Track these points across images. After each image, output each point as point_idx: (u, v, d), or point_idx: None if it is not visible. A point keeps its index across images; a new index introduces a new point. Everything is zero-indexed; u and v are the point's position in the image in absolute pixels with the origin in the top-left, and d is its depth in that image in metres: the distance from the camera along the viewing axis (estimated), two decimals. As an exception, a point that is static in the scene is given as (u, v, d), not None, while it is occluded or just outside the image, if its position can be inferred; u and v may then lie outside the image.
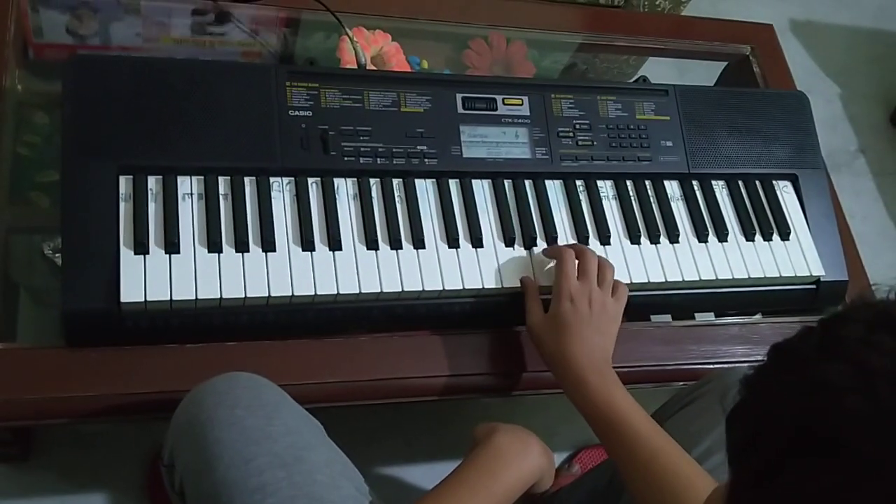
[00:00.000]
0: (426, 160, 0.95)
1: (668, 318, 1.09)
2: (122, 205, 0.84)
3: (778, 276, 1.04)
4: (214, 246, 0.85)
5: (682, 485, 0.73)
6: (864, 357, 0.42)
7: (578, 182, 1.02)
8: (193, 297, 0.82)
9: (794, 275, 1.05)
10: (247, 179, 0.89)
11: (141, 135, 0.86)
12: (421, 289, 0.90)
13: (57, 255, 0.94)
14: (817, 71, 1.98)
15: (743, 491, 0.47)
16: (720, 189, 1.08)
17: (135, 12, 1.11)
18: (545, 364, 0.88)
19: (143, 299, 0.80)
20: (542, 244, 0.97)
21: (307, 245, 0.88)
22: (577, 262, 0.90)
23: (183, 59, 0.98)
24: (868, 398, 0.41)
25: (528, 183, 1.00)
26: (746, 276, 1.03)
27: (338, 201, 0.91)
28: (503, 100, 1.01)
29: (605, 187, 1.03)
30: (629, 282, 0.98)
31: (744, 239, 1.06)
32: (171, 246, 0.83)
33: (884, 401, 0.40)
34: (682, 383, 1.03)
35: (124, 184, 0.85)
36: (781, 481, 0.43)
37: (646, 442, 0.77)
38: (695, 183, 1.07)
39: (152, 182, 0.86)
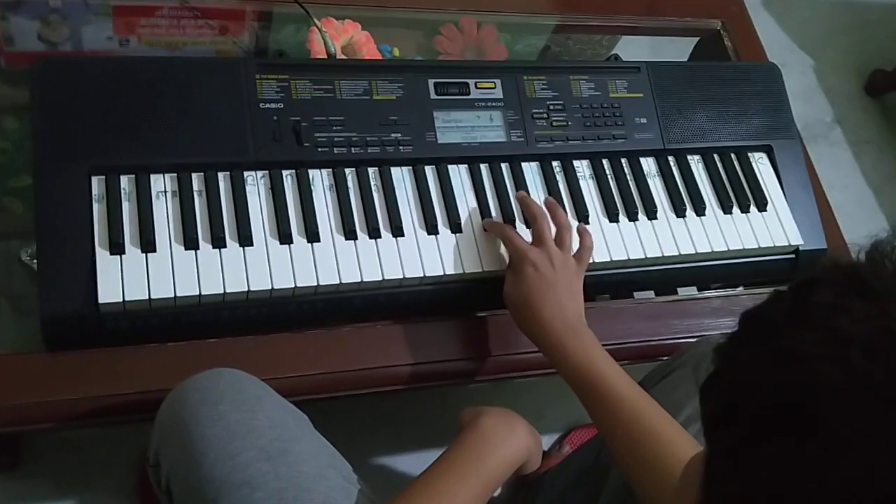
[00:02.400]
0: (401, 148, 0.95)
1: (650, 294, 1.09)
2: (95, 206, 0.83)
3: (757, 247, 1.05)
4: (191, 243, 0.84)
5: (664, 444, 0.73)
6: (836, 324, 0.41)
7: (555, 163, 1.02)
8: (172, 296, 0.81)
9: (772, 245, 1.06)
10: (220, 175, 0.88)
11: (111, 134, 0.85)
12: (402, 276, 0.90)
13: (34, 261, 0.94)
14: (790, 44, 1.99)
15: (718, 463, 0.46)
16: (696, 163, 1.08)
17: (105, 15, 1.10)
18: (523, 333, 0.88)
19: (121, 300, 0.80)
20: (520, 226, 0.97)
21: (285, 238, 0.87)
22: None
23: (150, 56, 0.97)
24: (841, 367, 0.39)
25: (504, 166, 1.00)
26: (726, 249, 1.03)
27: (314, 193, 0.91)
28: (476, 84, 1.01)
29: (582, 167, 1.03)
30: (609, 259, 0.98)
31: (721, 212, 1.06)
32: (147, 245, 0.83)
33: (857, 369, 0.39)
34: (667, 358, 1.04)
35: (97, 184, 0.84)
36: (756, 454, 0.42)
37: (627, 402, 0.77)
38: (670, 158, 1.07)
39: (125, 181, 0.85)
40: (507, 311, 0.91)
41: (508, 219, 0.96)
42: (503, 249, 0.94)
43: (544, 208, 0.94)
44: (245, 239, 0.86)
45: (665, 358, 1.01)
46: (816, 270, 0.45)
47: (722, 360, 0.47)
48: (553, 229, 0.91)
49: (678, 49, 1.41)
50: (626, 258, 0.99)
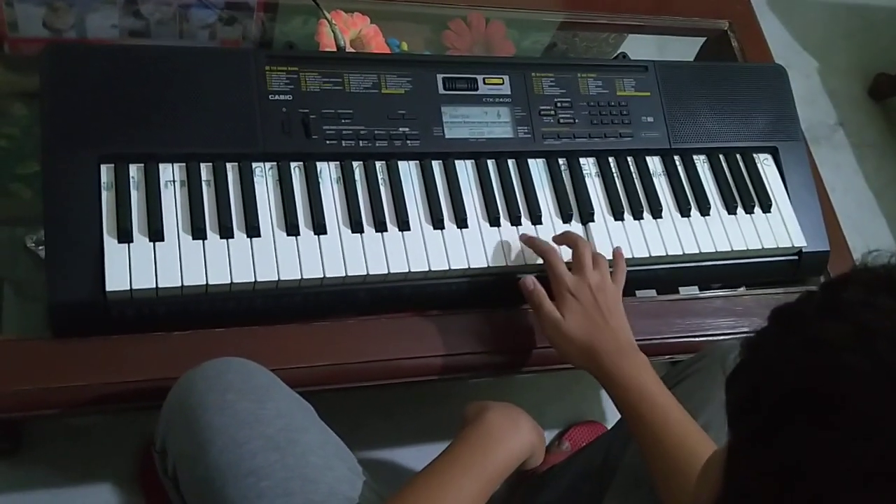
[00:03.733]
0: (409, 142, 0.95)
1: (652, 292, 1.10)
2: (104, 194, 0.83)
3: (760, 247, 1.05)
4: (199, 232, 0.84)
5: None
6: (865, 318, 0.42)
7: (561, 160, 1.02)
8: (179, 285, 0.82)
9: (776, 246, 1.06)
10: (229, 165, 0.89)
11: (121, 123, 0.85)
12: (407, 270, 0.90)
13: (40, 247, 0.94)
14: (795, 45, 2.00)
15: (742, 450, 0.47)
16: (701, 163, 1.09)
17: (110, 4, 1.09)
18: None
19: (128, 288, 0.80)
20: (526, 223, 0.97)
21: (292, 230, 0.87)
22: (566, 249, 0.91)
23: (161, 45, 0.97)
24: (867, 355, 0.41)
25: (511, 162, 1.00)
26: (729, 249, 1.04)
27: (321, 185, 0.91)
28: (484, 79, 1.01)
29: (588, 165, 1.04)
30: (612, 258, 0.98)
31: (726, 212, 1.06)
32: (155, 234, 0.83)
33: (883, 358, 0.41)
34: (668, 357, 1.04)
35: (105, 172, 0.84)
36: (780, 439, 0.43)
37: (673, 426, 0.78)
38: (676, 158, 1.08)
39: (134, 170, 0.85)
40: (511, 308, 0.91)
41: (514, 215, 0.97)
42: (509, 246, 0.95)
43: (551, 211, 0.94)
44: (252, 230, 0.86)
45: (668, 357, 1.02)
46: (848, 272, 0.47)
47: (749, 350, 0.48)
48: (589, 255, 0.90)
49: (685, 48, 1.41)
50: (630, 256, 0.99)
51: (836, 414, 0.41)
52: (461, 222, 0.95)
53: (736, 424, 0.48)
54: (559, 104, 1.03)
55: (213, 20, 1.11)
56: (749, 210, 1.07)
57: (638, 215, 1.02)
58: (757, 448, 0.45)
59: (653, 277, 1.03)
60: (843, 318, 0.43)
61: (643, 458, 0.80)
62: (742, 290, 1.12)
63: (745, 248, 1.05)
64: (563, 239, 0.94)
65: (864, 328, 0.42)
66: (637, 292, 1.08)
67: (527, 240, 0.94)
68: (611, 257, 0.94)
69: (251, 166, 0.89)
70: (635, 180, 1.04)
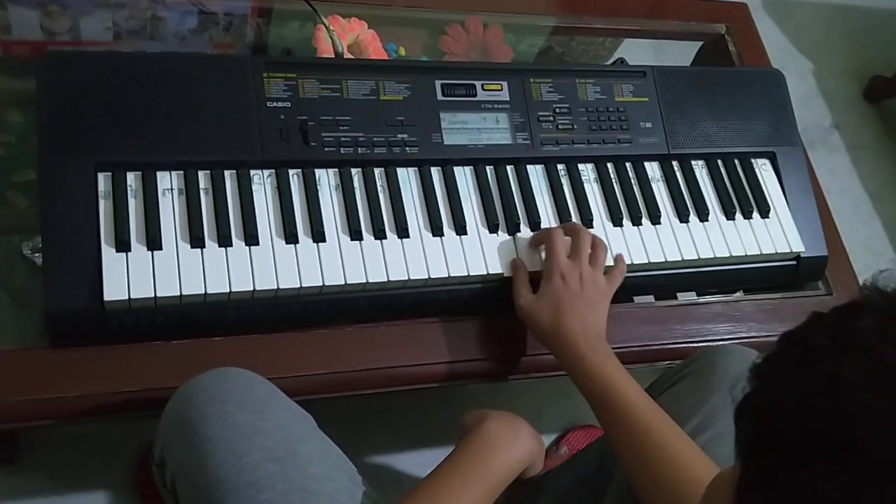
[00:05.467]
0: (407, 148, 0.95)
1: (651, 298, 1.09)
2: (101, 202, 0.83)
3: (759, 253, 1.05)
4: (197, 241, 0.84)
5: (677, 462, 0.73)
6: (881, 352, 0.41)
7: (560, 166, 1.02)
8: (178, 294, 0.81)
9: (774, 251, 1.06)
10: (227, 173, 0.88)
11: (118, 131, 0.85)
12: (406, 278, 0.90)
13: (36, 254, 0.93)
14: (790, 47, 2.00)
15: (752, 487, 0.46)
16: (700, 169, 1.09)
17: (105, 6, 1.09)
18: (539, 342, 0.88)
19: (126, 297, 0.80)
20: (525, 229, 0.97)
21: (290, 237, 0.87)
22: (568, 239, 0.91)
23: (158, 52, 0.96)
24: (885, 396, 0.40)
25: (510, 168, 1.00)
26: (728, 255, 1.04)
27: (320, 192, 0.91)
28: (482, 85, 1.01)
29: (587, 170, 1.03)
30: (612, 263, 0.98)
31: (724, 218, 1.06)
32: (153, 242, 0.82)
33: None
34: (667, 363, 1.04)
35: (103, 181, 0.84)
36: (793, 480, 0.42)
37: (641, 417, 0.77)
38: (675, 163, 1.07)
39: (131, 178, 0.85)
40: (512, 313, 0.91)
41: (512, 222, 0.96)
42: (508, 253, 0.94)
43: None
44: (251, 238, 0.86)
45: (666, 363, 1.01)
46: (858, 295, 0.45)
47: (760, 382, 0.47)
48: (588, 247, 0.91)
49: (681, 52, 1.41)
50: (629, 262, 0.99)
51: (854, 458, 0.40)
52: (460, 229, 0.94)
53: (747, 459, 0.47)
54: (558, 110, 1.03)
55: (193, 25, 1.10)
56: (747, 215, 1.07)
57: (637, 221, 1.02)
58: (769, 485, 0.44)
59: (651, 283, 1.03)
60: (859, 352, 0.42)
61: (616, 453, 0.80)
62: (740, 295, 1.12)
63: (744, 254, 1.05)
64: (565, 228, 0.94)
65: (881, 364, 0.41)
66: (635, 298, 1.08)
67: (535, 236, 0.95)
68: (611, 262, 0.94)
69: (249, 174, 0.89)
70: (634, 186, 1.04)
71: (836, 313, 0.45)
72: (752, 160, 1.11)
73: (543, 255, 0.94)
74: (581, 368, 0.82)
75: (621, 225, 1.01)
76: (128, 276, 0.80)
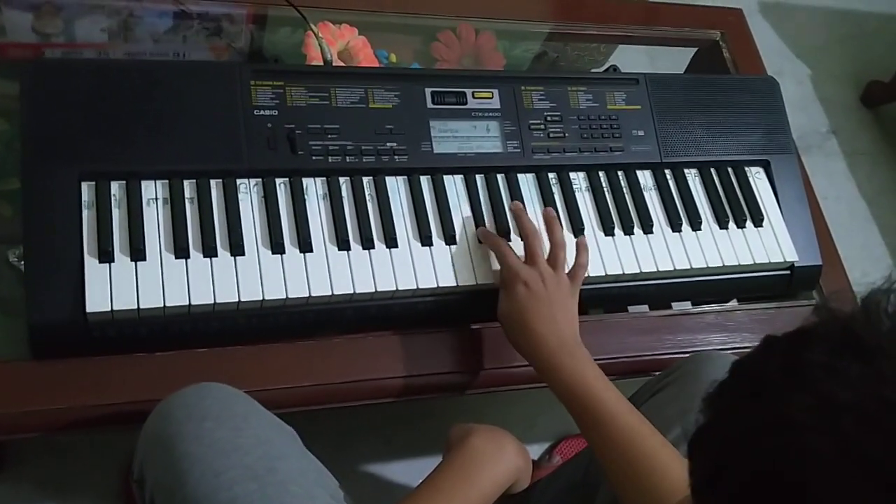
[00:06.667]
0: (396, 157, 0.94)
1: (644, 308, 1.09)
2: (84, 212, 0.82)
3: (752, 262, 1.04)
4: (181, 252, 0.83)
5: (658, 468, 0.72)
6: (828, 388, 0.39)
7: (551, 175, 1.01)
8: (161, 305, 0.80)
9: (768, 261, 1.05)
10: (213, 182, 0.87)
11: (102, 139, 0.84)
12: (395, 288, 0.89)
13: (22, 262, 0.92)
14: (787, 52, 1.99)
15: None
16: (693, 177, 1.08)
17: (99, 9, 1.08)
18: (517, 351, 0.87)
19: (109, 309, 0.79)
20: (515, 238, 0.96)
21: (277, 248, 0.86)
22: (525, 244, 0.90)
23: (143, 59, 0.96)
24: (832, 438, 0.38)
25: (500, 177, 0.99)
26: (721, 264, 1.03)
27: (307, 202, 0.90)
28: (473, 93, 1.00)
29: (578, 179, 1.02)
30: (604, 273, 0.97)
31: (717, 227, 1.05)
32: (137, 253, 0.81)
33: (849, 441, 0.38)
34: (658, 373, 1.03)
35: (86, 190, 0.83)
36: None
37: (620, 422, 0.76)
38: (667, 172, 1.06)
39: (115, 188, 0.84)
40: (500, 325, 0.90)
41: (503, 231, 0.95)
42: (497, 263, 0.93)
43: (539, 224, 0.93)
44: (236, 248, 0.85)
45: (657, 373, 1.00)
46: (812, 321, 0.44)
47: (712, 415, 0.46)
48: (547, 246, 0.90)
49: (676, 58, 1.40)
50: (620, 272, 0.98)
51: (799, 502, 0.39)
52: (450, 238, 0.93)
53: (700, 496, 0.45)
54: (549, 118, 1.02)
55: (167, 27, 1.09)
56: (740, 224, 1.06)
57: (628, 230, 1.01)
58: None
59: (644, 293, 1.02)
60: (806, 387, 0.40)
61: (598, 459, 0.79)
62: (734, 304, 1.11)
63: (737, 264, 1.04)
64: (520, 227, 0.93)
65: (827, 402, 0.39)
66: (629, 308, 1.07)
67: (483, 234, 0.93)
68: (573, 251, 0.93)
69: (236, 183, 0.88)
70: (626, 195, 1.03)
71: (787, 341, 0.44)
72: (746, 168, 1.10)
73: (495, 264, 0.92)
74: (560, 377, 0.80)
75: (613, 234, 1.00)
76: (111, 288, 0.80)
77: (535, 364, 0.84)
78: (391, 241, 0.91)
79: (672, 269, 1.01)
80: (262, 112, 0.90)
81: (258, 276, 0.84)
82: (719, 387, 0.46)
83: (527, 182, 1.00)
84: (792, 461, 0.39)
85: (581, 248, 0.93)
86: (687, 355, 1.00)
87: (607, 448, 0.76)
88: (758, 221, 1.07)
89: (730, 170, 1.10)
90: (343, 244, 0.89)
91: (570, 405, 0.80)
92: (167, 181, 0.86)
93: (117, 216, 0.83)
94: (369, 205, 0.92)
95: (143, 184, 0.85)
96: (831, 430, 0.38)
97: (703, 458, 0.45)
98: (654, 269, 1.00)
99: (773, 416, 0.41)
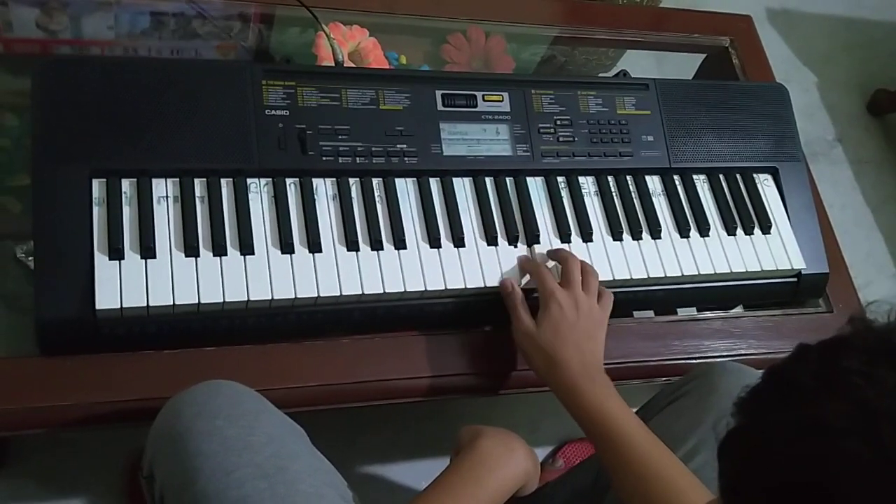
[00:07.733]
0: (406, 159, 0.94)
1: (650, 313, 1.08)
2: (95, 209, 0.82)
3: (759, 269, 1.04)
4: (191, 250, 0.83)
5: (673, 492, 0.72)
6: (866, 395, 0.40)
7: (560, 179, 1.01)
8: (171, 303, 0.80)
9: (775, 268, 1.05)
10: (223, 181, 0.87)
11: (113, 137, 0.84)
12: (403, 290, 0.89)
13: (30, 258, 0.92)
14: (794, 60, 1.99)
15: None
16: (701, 183, 1.08)
17: (106, 6, 1.08)
18: (535, 373, 0.87)
19: (118, 306, 0.79)
20: (523, 248, 0.96)
21: (286, 247, 0.86)
22: (556, 265, 0.91)
23: (155, 58, 0.96)
24: (869, 443, 0.38)
25: (509, 180, 0.99)
26: (728, 271, 1.03)
27: (317, 202, 0.90)
28: (483, 96, 1.00)
29: (587, 183, 1.02)
30: (612, 278, 0.97)
31: (725, 233, 1.05)
32: (147, 251, 0.81)
33: (886, 446, 0.38)
34: (665, 378, 1.03)
35: (97, 187, 0.83)
36: None
37: (638, 448, 0.76)
38: (676, 177, 1.06)
39: (126, 185, 0.84)
40: (508, 329, 0.90)
41: (511, 235, 0.95)
42: (506, 266, 0.93)
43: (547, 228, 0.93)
44: (246, 247, 0.85)
45: (665, 379, 1.00)
46: (846, 330, 0.44)
47: (744, 419, 0.46)
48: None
49: (684, 63, 1.40)
50: (628, 277, 0.98)
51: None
52: (458, 241, 0.93)
53: (728, 499, 0.45)
54: (559, 122, 1.02)
55: (175, 25, 1.09)
56: (748, 231, 1.06)
57: (637, 236, 1.01)
58: None
59: (651, 298, 1.02)
60: (843, 395, 0.40)
61: (613, 485, 0.79)
62: (740, 311, 1.11)
63: (744, 270, 1.04)
64: (554, 254, 0.93)
65: (865, 409, 0.39)
66: (635, 313, 1.07)
67: (522, 260, 0.94)
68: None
69: (246, 182, 0.88)
70: (634, 200, 1.03)
71: (821, 349, 0.44)
72: (755, 175, 1.10)
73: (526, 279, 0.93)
74: (579, 401, 0.81)
75: (621, 239, 1.00)
76: (120, 285, 0.80)
77: (554, 384, 0.84)
78: (400, 243, 0.91)
79: (680, 274, 1.01)
80: (273, 112, 0.90)
81: (267, 275, 0.84)
82: (752, 391, 0.46)
83: (536, 185, 1.00)
84: (825, 466, 0.39)
85: (603, 291, 0.92)
86: (693, 361, 1.01)
87: (623, 471, 0.76)
88: (766, 228, 1.07)
89: (738, 176, 1.10)
90: (352, 245, 0.89)
91: (587, 427, 0.80)
92: (178, 179, 0.86)
93: (128, 213, 0.83)
94: (379, 206, 0.92)
95: (154, 182, 0.85)
96: (867, 435, 0.38)
97: (733, 461, 0.45)
98: (662, 275, 1.00)
99: (809, 420, 0.41)
